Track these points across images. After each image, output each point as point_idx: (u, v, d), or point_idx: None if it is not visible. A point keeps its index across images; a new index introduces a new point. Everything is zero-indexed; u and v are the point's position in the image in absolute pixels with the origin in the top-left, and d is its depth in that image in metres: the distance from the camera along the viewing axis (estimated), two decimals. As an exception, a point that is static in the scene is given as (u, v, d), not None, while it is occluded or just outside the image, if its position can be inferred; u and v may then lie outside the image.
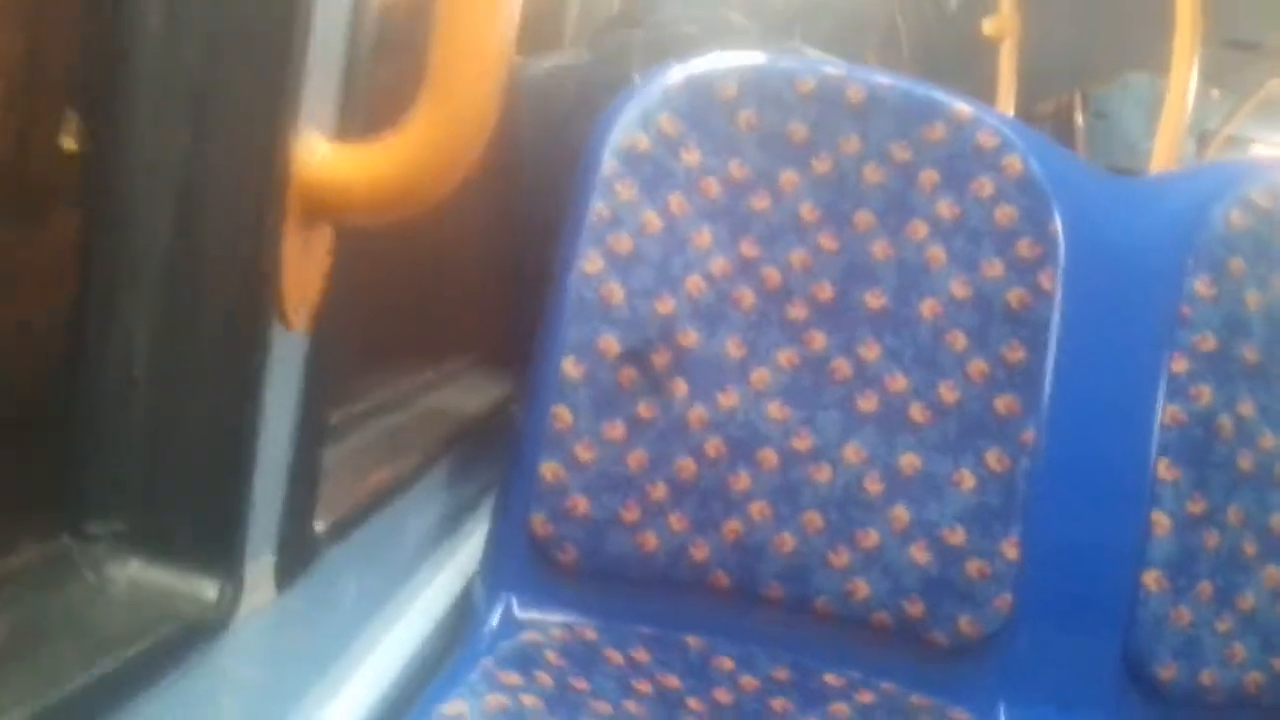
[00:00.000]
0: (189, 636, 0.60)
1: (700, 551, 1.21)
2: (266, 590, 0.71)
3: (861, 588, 1.19)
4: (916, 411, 1.20)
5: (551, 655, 1.11)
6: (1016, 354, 1.19)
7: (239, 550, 0.64)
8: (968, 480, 1.17)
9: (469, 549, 1.31)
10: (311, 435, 0.73)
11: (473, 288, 1.55)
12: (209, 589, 0.63)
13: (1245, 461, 1.22)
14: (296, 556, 0.74)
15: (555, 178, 1.30)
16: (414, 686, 1.07)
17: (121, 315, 0.60)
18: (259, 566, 0.68)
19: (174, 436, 0.62)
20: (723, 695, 1.15)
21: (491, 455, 1.34)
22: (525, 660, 1.08)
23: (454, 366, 1.50)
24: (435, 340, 1.49)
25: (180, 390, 0.62)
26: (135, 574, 0.62)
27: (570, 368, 1.18)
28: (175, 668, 0.59)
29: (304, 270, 0.66)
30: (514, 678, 1.04)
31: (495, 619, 1.19)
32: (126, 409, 0.61)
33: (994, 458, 1.17)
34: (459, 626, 1.22)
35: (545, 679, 1.06)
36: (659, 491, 1.20)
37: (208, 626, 0.62)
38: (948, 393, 1.19)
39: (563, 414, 1.18)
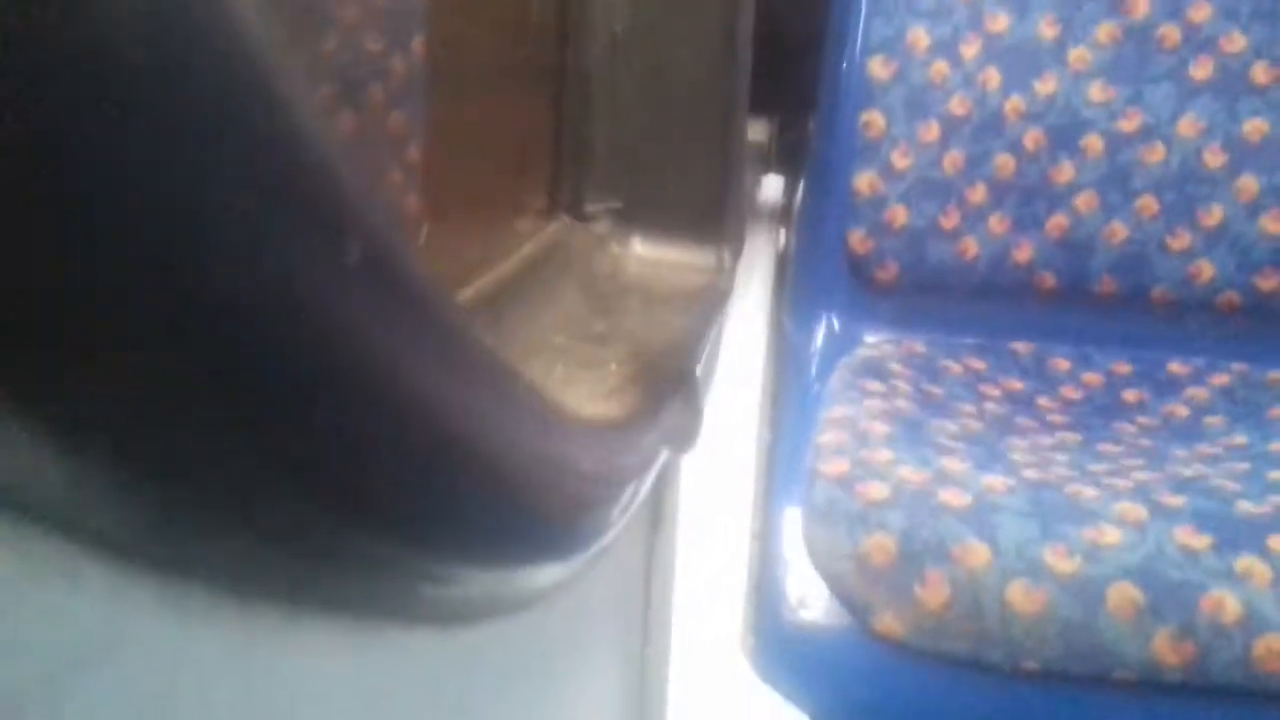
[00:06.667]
0: (716, 300, 0.58)
1: (1023, 253, 1.15)
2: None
3: (1205, 269, 1.12)
4: (1259, 71, 1.10)
5: (895, 366, 1.08)
6: None
7: (738, 216, 0.60)
8: None
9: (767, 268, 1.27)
10: (744, 104, 0.68)
11: None
12: (711, 258, 0.60)
13: None
14: (738, 234, 0.71)
15: None
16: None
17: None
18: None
19: (662, 97, 0.58)
20: (1070, 392, 1.11)
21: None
22: (876, 371, 1.05)
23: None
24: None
25: (665, 49, 0.58)
26: (640, 250, 0.59)
27: (878, 67, 1.11)
28: (711, 330, 0.57)
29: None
30: (875, 385, 1.01)
31: (819, 339, 1.16)
32: (613, 72, 0.57)
33: (1358, 106, 1.07)
34: (774, 346, 1.20)
35: (903, 386, 1.03)
36: (977, 193, 1.14)
37: (721, 292, 0.60)
38: None
39: (874, 119, 1.12)
